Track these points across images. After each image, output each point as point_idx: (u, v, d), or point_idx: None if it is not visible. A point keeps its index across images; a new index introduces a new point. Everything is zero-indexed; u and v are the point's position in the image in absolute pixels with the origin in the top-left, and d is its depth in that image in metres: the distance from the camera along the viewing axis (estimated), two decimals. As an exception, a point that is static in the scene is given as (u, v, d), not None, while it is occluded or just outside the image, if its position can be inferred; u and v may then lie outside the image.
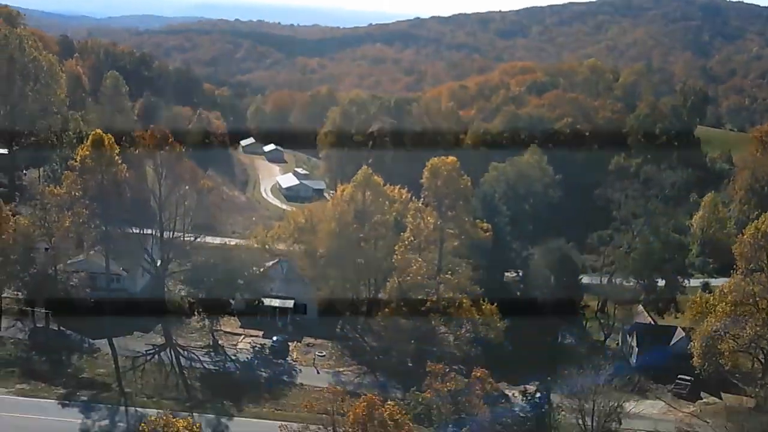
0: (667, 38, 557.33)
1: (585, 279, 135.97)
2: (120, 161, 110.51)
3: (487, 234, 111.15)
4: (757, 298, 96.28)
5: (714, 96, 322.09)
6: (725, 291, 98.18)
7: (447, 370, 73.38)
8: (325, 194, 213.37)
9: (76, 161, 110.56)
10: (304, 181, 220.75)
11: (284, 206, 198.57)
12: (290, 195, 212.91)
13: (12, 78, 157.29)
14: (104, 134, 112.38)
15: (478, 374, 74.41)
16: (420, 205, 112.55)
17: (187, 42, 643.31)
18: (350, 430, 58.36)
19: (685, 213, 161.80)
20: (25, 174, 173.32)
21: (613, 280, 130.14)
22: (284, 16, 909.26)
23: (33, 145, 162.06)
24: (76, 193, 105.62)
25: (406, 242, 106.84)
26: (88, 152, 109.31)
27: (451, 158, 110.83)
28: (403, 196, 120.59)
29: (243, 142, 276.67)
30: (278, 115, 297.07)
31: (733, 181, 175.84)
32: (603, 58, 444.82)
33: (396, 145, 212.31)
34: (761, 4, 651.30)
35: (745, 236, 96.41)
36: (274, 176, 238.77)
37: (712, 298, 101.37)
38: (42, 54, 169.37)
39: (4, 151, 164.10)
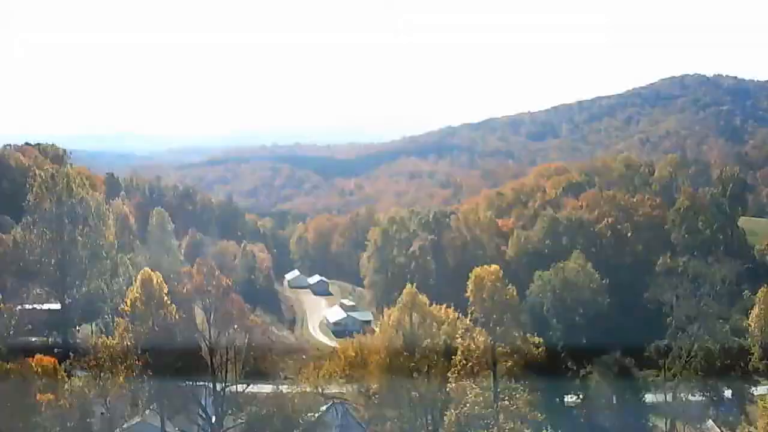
0: (699, 125, 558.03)
1: (648, 397, 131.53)
2: (169, 301, 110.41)
3: (540, 350, 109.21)
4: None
5: (753, 184, 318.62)
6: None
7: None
8: (373, 326, 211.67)
9: (126, 306, 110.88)
10: (351, 313, 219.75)
11: (333, 343, 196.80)
12: (338, 330, 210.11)
13: (61, 221, 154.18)
14: (152, 272, 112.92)
15: None
16: (468, 322, 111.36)
17: (227, 172, 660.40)
18: None
19: (740, 311, 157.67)
20: (78, 330, 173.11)
21: (678, 396, 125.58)
22: (319, 135, 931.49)
23: (84, 296, 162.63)
24: (129, 343, 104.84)
25: (458, 367, 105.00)
26: (137, 294, 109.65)
27: (494, 267, 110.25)
28: (451, 316, 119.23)
29: (288, 276, 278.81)
30: (320, 243, 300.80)
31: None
32: (636, 151, 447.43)
33: (438, 261, 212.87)
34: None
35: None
36: (321, 310, 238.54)
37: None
38: (90, 193, 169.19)
39: (57, 306, 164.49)
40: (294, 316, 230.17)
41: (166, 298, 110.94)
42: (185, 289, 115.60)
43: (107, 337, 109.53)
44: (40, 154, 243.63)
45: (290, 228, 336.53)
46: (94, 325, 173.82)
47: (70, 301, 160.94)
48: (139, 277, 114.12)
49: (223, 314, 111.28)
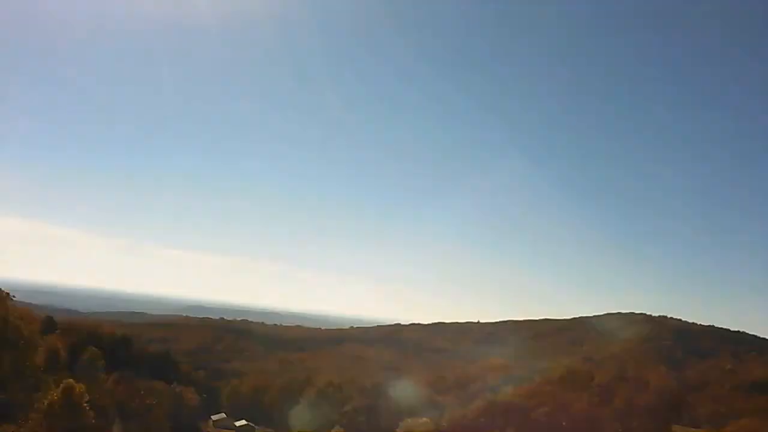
0: (642, 354, 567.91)
1: None
2: (88, 407, 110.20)
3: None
4: None
5: (692, 402, 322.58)
6: None
7: None
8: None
9: (43, 405, 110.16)
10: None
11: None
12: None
13: None
14: (76, 383, 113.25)
15: None
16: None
17: (169, 334, 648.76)
18: None
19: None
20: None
21: None
22: (269, 317, 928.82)
23: (5, 405, 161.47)
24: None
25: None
26: (57, 398, 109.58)
27: (425, 419, 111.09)
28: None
29: (214, 417, 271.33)
30: (254, 395, 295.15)
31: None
32: (579, 367, 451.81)
33: (370, 423, 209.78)
34: (732, 328, 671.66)
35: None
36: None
37: None
38: (24, 325, 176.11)
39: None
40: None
41: (85, 404, 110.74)
42: (107, 401, 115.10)
43: (17, 428, 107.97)
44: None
45: (225, 383, 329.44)
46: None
47: None
48: (61, 385, 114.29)
49: (141, 426, 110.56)
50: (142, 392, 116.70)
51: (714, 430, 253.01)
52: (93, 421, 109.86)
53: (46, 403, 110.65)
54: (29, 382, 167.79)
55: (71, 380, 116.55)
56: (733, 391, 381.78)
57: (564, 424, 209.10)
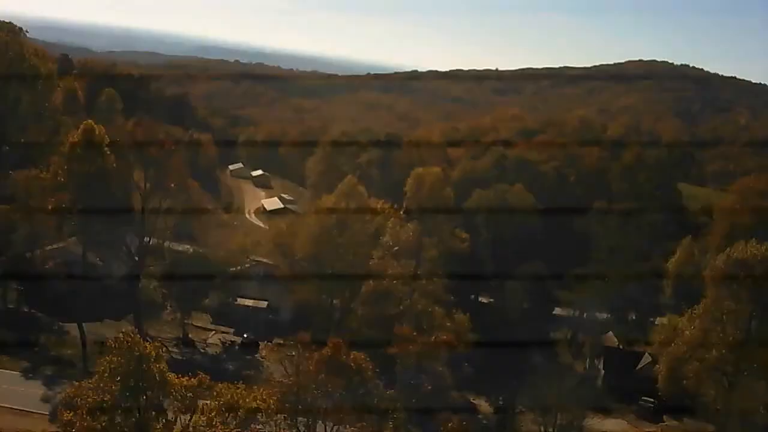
0: (658, 105, 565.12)
1: (559, 311, 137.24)
2: (109, 152, 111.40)
3: (465, 244, 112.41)
4: (725, 323, 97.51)
5: (701, 160, 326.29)
6: (694, 315, 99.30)
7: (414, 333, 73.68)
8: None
9: (65, 148, 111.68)
10: (289, 206, 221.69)
11: (266, 228, 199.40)
12: (274, 219, 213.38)
13: (9, 82, 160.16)
14: (96, 125, 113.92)
15: (444, 338, 75.14)
16: (401, 214, 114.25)
17: (185, 77, 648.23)
18: (313, 368, 59.08)
19: (661, 257, 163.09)
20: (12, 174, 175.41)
21: (585, 312, 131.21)
22: (285, 61, 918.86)
23: (24, 147, 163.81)
24: (62, 179, 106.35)
25: (384, 246, 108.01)
26: (77, 140, 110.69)
27: (436, 169, 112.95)
28: (387, 210, 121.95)
29: (231, 167, 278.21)
30: (269, 145, 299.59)
31: (711, 229, 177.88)
32: (593, 119, 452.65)
33: (384, 175, 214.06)
34: (753, 80, 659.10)
35: (718, 262, 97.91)
36: (259, 200, 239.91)
37: (680, 322, 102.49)
38: (41, 63, 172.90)
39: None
40: (232, 201, 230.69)
41: (107, 149, 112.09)
42: (127, 143, 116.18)
43: (40, 172, 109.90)
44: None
45: (240, 129, 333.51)
46: (30, 171, 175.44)
47: (8, 149, 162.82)
48: (82, 126, 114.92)
49: (162, 171, 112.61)
50: (161, 136, 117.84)
51: (718, 187, 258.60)
52: (114, 164, 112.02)
53: (67, 147, 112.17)
54: (48, 124, 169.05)
55: (91, 121, 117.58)
56: (745, 148, 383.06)
57: (572, 179, 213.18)
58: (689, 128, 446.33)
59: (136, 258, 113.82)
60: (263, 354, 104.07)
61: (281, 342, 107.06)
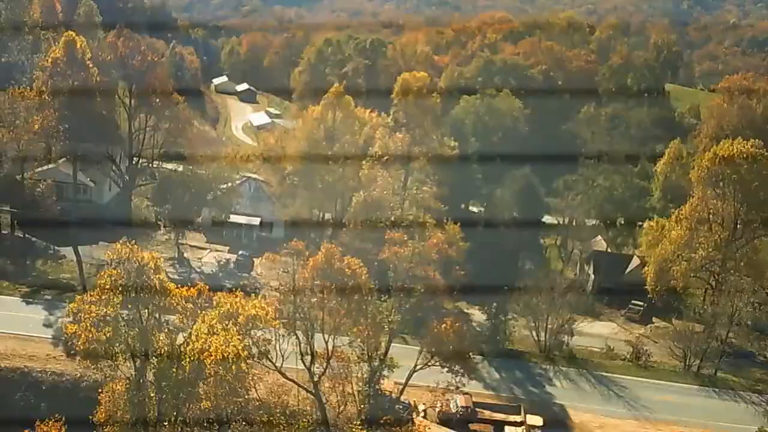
0: (647, 4, 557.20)
1: (548, 218, 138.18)
2: (91, 65, 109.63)
3: (454, 152, 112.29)
4: (711, 222, 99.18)
5: (689, 61, 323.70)
6: (681, 216, 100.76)
7: (406, 238, 74.44)
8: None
9: (48, 62, 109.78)
10: (276, 120, 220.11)
11: (255, 144, 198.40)
12: (262, 134, 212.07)
13: None
14: (77, 36, 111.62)
15: (434, 239, 76.14)
16: (389, 121, 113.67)
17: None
18: (309, 275, 60.05)
19: (651, 160, 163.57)
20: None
21: (574, 217, 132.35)
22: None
23: (3, 66, 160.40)
24: (47, 96, 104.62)
25: (374, 157, 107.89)
26: (59, 54, 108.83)
27: (422, 74, 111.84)
28: (374, 120, 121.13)
29: (215, 81, 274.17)
30: (252, 56, 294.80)
31: (698, 131, 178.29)
32: (581, 20, 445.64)
33: (370, 85, 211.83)
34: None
35: (704, 161, 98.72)
36: (246, 115, 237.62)
37: (668, 223, 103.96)
38: None
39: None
40: (217, 117, 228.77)
41: (88, 61, 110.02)
42: (109, 57, 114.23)
43: (24, 89, 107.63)
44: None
45: (223, 41, 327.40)
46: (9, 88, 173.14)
47: None
48: (62, 39, 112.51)
49: (145, 86, 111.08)
50: (143, 48, 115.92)
51: (706, 88, 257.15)
52: (97, 78, 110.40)
53: (49, 60, 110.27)
54: (28, 40, 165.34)
55: (72, 33, 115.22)
56: (733, 48, 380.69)
57: (560, 83, 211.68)
58: (678, 28, 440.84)
59: (127, 178, 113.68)
60: (259, 271, 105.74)
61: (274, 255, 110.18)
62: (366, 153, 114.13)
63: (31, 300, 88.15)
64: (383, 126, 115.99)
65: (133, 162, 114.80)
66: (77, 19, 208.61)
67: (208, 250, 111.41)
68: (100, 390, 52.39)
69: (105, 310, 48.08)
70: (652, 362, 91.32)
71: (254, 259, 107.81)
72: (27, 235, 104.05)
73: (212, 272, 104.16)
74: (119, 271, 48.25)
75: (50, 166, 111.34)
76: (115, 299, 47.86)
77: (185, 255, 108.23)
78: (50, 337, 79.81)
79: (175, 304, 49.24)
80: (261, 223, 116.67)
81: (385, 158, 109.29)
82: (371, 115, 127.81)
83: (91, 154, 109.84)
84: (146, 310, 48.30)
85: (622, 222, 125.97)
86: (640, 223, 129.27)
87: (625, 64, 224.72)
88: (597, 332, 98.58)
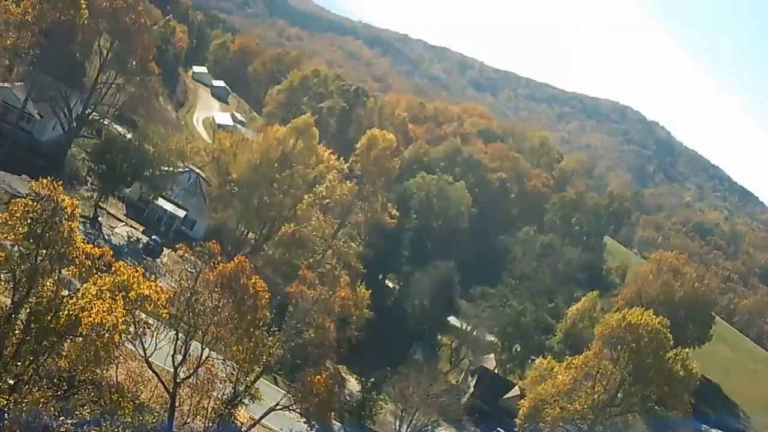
0: (617, 154, 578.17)
1: (452, 319, 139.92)
2: (84, 5, 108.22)
3: (392, 222, 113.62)
4: (597, 381, 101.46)
5: (634, 222, 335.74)
6: (572, 364, 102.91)
7: (316, 282, 74.73)
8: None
9: None
10: (237, 125, 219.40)
11: (209, 141, 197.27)
12: (221, 133, 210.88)
13: None
14: None
15: (342, 294, 76.41)
16: (345, 168, 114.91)
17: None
18: (213, 279, 59.53)
19: (564, 301, 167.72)
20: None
21: (476, 331, 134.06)
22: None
23: None
24: (31, 19, 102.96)
25: (316, 195, 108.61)
26: None
27: (391, 136, 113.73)
28: (331, 161, 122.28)
29: (195, 68, 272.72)
30: (239, 58, 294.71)
31: (618, 292, 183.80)
32: (552, 145, 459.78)
33: (339, 128, 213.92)
34: (712, 161, 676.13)
35: (611, 320, 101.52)
36: (212, 111, 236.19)
37: (558, 366, 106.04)
38: None
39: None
40: (184, 102, 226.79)
41: (83, 2, 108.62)
42: (104, 4, 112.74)
43: (12, 5, 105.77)
44: None
45: (217, 33, 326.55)
46: None
47: None
48: None
49: (128, 45, 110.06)
50: (140, 9, 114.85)
51: (640, 254, 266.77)
52: (85, 21, 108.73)
53: None
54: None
55: None
56: (678, 225, 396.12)
57: (513, 196, 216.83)
58: (637, 186, 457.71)
59: (74, 125, 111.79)
60: (164, 261, 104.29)
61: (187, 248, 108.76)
62: (311, 189, 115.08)
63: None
64: (337, 170, 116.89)
65: (86, 112, 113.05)
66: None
67: (124, 223, 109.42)
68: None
69: (6, 235, 46.85)
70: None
71: (164, 248, 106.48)
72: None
73: (119, 245, 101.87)
74: (35, 204, 47.16)
75: (5, 84, 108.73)
76: (20, 228, 46.63)
77: (99, 219, 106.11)
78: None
79: (74, 256, 48.09)
80: (185, 217, 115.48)
81: (327, 201, 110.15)
82: (330, 155, 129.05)
83: (49, 88, 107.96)
84: (45, 251, 47.10)
85: (518, 349, 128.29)
86: (533, 357, 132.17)
87: (577, 201, 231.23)
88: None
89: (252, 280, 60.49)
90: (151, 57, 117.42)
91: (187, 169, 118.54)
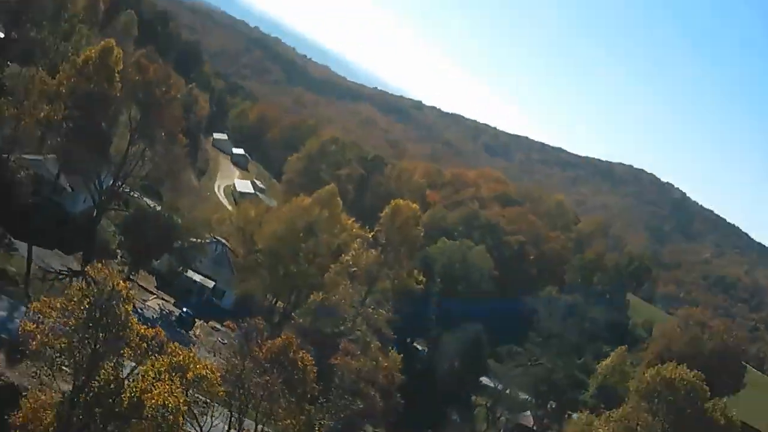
0: (633, 215, 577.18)
1: (484, 380, 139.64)
2: (118, 79, 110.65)
3: (419, 287, 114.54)
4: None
5: (655, 278, 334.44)
6: (610, 418, 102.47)
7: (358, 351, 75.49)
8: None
9: (78, 60, 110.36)
10: (258, 194, 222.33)
11: (230, 208, 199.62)
12: (243, 202, 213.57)
13: None
14: (116, 47, 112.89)
15: (386, 363, 76.99)
16: (369, 236, 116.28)
17: (200, 25, 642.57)
18: (263, 355, 60.40)
19: (592, 357, 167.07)
20: (9, 65, 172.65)
21: (509, 390, 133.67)
22: (301, 44, 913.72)
23: (31, 40, 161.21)
24: (64, 90, 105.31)
25: (343, 264, 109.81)
26: (93, 57, 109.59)
27: (414, 205, 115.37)
28: (354, 229, 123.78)
29: (215, 135, 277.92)
30: (258, 125, 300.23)
31: (647, 346, 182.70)
32: (568, 207, 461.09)
33: (358, 195, 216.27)
34: (729, 219, 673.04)
35: (647, 374, 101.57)
36: (233, 178, 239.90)
37: (596, 421, 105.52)
38: None
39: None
40: (205, 170, 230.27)
41: (117, 74, 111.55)
42: (137, 77, 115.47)
43: (48, 78, 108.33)
44: None
45: (237, 100, 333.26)
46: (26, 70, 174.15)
47: (16, 37, 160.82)
48: (102, 43, 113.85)
49: (158, 118, 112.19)
50: (171, 82, 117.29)
51: (663, 308, 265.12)
52: (117, 94, 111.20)
53: (81, 59, 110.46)
54: (63, 27, 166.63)
55: (112, 41, 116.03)
56: (699, 280, 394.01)
57: (532, 257, 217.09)
58: (654, 245, 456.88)
59: (104, 198, 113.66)
60: (197, 333, 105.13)
61: (218, 327, 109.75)
62: (337, 257, 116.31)
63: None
64: (362, 238, 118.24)
65: (117, 184, 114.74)
66: (115, 26, 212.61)
67: (155, 296, 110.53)
68: (24, 393, 51.70)
69: (66, 320, 48.06)
70: None
71: (196, 320, 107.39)
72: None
73: (152, 318, 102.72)
74: (92, 288, 48.47)
75: (38, 156, 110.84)
76: (79, 313, 47.84)
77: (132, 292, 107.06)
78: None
79: (131, 339, 49.16)
80: (214, 287, 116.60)
81: (353, 269, 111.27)
82: (352, 223, 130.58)
83: (80, 160, 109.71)
84: (103, 335, 48.15)
85: (553, 405, 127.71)
86: (569, 412, 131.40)
87: (597, 261, 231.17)
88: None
89: (300, 354, 61.41)
90: (179, 129, 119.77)
91: (213, 239, 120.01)
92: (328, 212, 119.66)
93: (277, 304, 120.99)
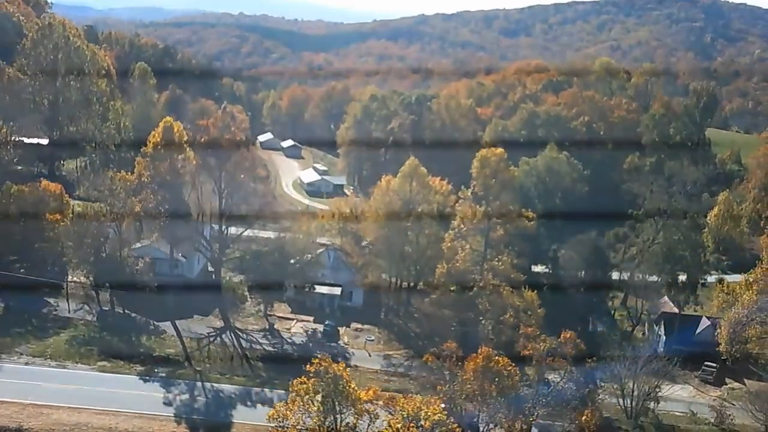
0: (670, 38, 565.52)
1: (614, 275, 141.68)
2: (188, 148, 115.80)
3: (532, 223, 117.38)
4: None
5: (719, 98, 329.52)
6: (750, 280, 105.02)
7: (538, 332, 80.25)
8: (345, 190, 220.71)
9: (148, 148, 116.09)
10: (324, 177, 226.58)
11: (306, 201, 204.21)
12: (312, 191, 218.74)
13: (55, 66, 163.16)
14: (174, 122, 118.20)
15: (567, 335, 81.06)
16: (468, 194, 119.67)
17: (193, 35, 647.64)
18: (469, 376, 65.49)
19: (699, 211, 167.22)
20: (63, 164, 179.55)
21: (636, 276, 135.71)
22: (288, 10, 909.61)
23: (72, 135, 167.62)
24: (146, 179, 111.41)
25: (456, 230, 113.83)
26: (159, 139, 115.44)
27: (499, 150, 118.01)
28: (443, 188, 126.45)
29: (261, 138, 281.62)
30: (294, 111, 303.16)
31: (745, 180, 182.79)
32: (606, 57, 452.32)
33: (416, 141, 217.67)
34: (764, 6, 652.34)
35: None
36: (294, 172, 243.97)
37: (738, 287, 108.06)
38: (86, 45, 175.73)
39: (45, 141, 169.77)
40: (267, 174, 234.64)
41: (186, 145, 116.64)
42: (203, 139, 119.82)
43: (126, 173, 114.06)
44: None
45: (263, 94, 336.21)
46: (79, 161, 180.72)
47: (58, 137, 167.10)
48: (161, 124, 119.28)
49: (234, 164, 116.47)
50: (233, 129, 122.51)
51: (739, 129, 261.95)
52: (194, 160, 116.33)
53: (150, 146, 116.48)
54: (96, 110, 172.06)
55: (170, 119, 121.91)
56: (762, 83, 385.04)
57: (602, 134, 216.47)
58: (703, 62, 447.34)
59: (216, 253, 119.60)
60: (345, 340, 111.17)
61: (359, 327, 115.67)
62: (439, 222, 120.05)
63: (147, 377, 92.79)
64: (464, 199, 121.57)
65: (222, 231, 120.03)
66: (132, 83, 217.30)
67: (295, 321, 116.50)
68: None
69: (302, 417, 53.14)
70: (735, 426, 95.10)
71: (339, 329, 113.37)
72: (126, 311, 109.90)
73: (302, 342, 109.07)
74: (317, 380, 53.35)
75: (144, 242, 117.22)
76: (312, 407, 52.98)
77: (275, 326, 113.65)
78: (172, 415, 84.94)
79: (361, 409, 54.20)
80: (341, 292, 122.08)
81: (464, 229, 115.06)
82: (441, 183, 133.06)
83: (183, 231, 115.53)
84: (339, 417, 53.31)
85: (684, 280, 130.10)
86: (701, 281, 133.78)
87: (666, 112, 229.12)
88: (676, 396, 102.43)
89: (502, 363, 65.99)
90: (254, 164, 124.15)
91: (323, 247, 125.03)
92: (417, 184, 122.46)
93: (403, 284, 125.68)
